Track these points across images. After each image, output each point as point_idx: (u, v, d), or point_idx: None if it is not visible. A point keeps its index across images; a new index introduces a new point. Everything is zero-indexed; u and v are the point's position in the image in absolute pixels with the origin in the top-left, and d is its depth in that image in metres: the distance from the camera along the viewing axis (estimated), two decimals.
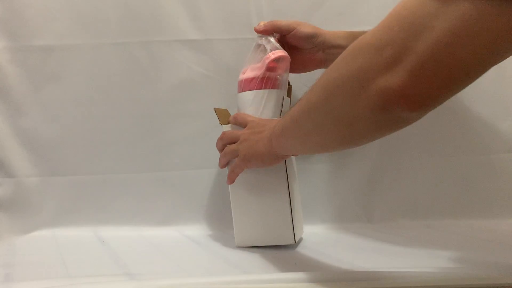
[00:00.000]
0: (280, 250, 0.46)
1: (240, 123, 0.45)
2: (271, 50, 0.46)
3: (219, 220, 0.56)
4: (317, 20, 0.55)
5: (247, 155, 0.43)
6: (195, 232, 0.54)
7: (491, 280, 0.32)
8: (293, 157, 0.50)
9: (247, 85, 0.47)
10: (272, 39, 0.47)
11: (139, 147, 0.56)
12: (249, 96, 0.46)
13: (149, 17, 0.55)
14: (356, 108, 0.27)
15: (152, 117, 0.56)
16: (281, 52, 0.46)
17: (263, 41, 0.47)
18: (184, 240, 0.52)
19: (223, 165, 0.47)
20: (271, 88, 0.46)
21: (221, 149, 0.46)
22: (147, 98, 0.56)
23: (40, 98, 0.55)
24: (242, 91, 0.47)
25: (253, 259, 0.44)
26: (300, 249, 0.47)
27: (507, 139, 0.56)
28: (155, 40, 0.55)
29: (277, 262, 0.42)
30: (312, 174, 0.56)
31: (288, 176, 0.46)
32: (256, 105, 0.46)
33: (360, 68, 0.26)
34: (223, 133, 0.47)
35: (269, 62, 0.45)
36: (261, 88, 0.46)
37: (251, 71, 0.47)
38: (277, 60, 0.45)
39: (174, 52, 0.56)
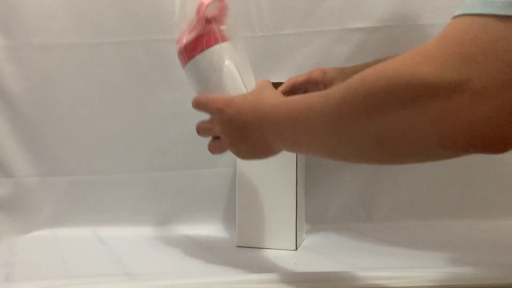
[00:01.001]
0: (280, 250, 0.46)
1: (207, 112, 0.37)
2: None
3: (219, 220, 0.56)
4: (317, 17, 0.54)
5: (238, 154, 0.36)
6: (195, 232, 0.54)
7: (491, 280, 0.32)
8: (303, 162, 0.48)
9: (190, 51, 0.38)
10: None
11: (139, 147, 0.56)
12: (198, 63, 0.38)
13: (148, 16, 0.55)
14: (423, 149, 0.22)
15: (152, 117, 0.56)
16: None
17: None
18: (184, 240, 0.52)
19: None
20: (221, 42, 0.37)
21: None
22: (146, 97, 0.56)
23: (38, 98, 0.55)
24: (188, 61, 0.38)
25: (253, 259, 0.44)
26: (300, 249, 0.47)
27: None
28: (154, 38, 0.55)
29: (277, 262, 0.42)
30: (312, 174, 0.56)
31: (298, 182, 0.45)
32: (211, 71, 0.37)
33: (431, 119, 0.21)
34: (198, 125, 0.39)
35: (204, 12, 0.37)
36: (209, 46, 0.37)
37: (188, 34, 0.38)
38: (213, 6, 0.37)
39: (173, 50, 0.55)
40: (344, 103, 0.25)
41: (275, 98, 0.33)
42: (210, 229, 0.55)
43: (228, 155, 0.57)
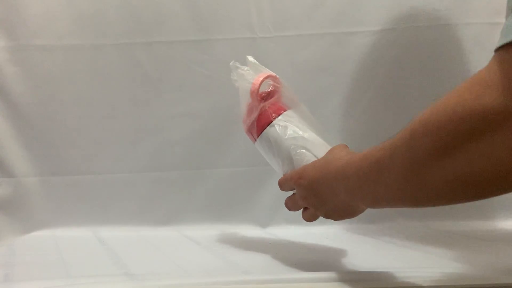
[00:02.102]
0: (280, 250, 0.46)
1: (290, 189, 0.38)
2: (251, 81, 0.40)
3: (219, 220, 0.56)
4: (316, 20, 0.55)
5: (329, 217, 0.36)
6: (195, 232, 0.54)
7: (491, 280, 0.32)
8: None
9: (254, 133, 0.41)
10: (243, 69, 0.42)
11: (139, 147, 0.56)
12: (262, 142, 0.40)
13: (150, 18, 0.55)
14: (505, 178, 0.22)
15: (152, 117, 0.56)
16: (262, 75, 0.40)
17: (237, 76, 0.42)
18: (184, 240, 0.52)
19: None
20: (279, 115, 0.40)
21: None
22: (148, 98, 0.56)
23: (40, 98, 0.55)
24: (254, 141, 0.42)
25: (253, 259, 0.44)
26: (300, 249, 0.47)
27: None
28: (156, 40, 0.55)
29: (277, 262, 0.42)
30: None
31: None
32: (276, 146, 0.39)
33: (505, 146, 0.21)
34: (285, 202, 0.39)
35: (257, 92, 0.40)
36: (268, 123, 0.39)
37: (249, 114, 0.41)
38: (264, 84, 0.40)
39: (175, 52, 0.56)
40: (412, 151, 0.24)
41: (341, 158, 0.33)
42: (210, 229, 0.55)
43: (226, 156, 0.57)
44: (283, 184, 0.39)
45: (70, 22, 0.55)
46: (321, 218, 0.58)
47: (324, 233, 0.53)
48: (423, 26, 0.54)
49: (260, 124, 0.41)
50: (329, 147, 0.38)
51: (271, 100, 0.41)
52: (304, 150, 0.38)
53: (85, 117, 0.56)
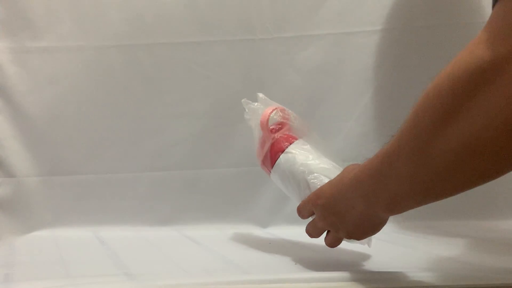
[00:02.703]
0: (280, 250, 0.46)
1: (310, 214, 0.38)
2: (260, 114, 0.42)
3: (219, 220, 0.56)
4: (316, 21, 0.55)
5: (352, 237, 0.35)
6: (195, 232, 0.54)
7: (491, 280, 0.32)
8: None
9: (267, 165, 0.42)
10: (254, 105, 0.43)
11: (139, 147, 0.57)
12: (276, 173, 0.42)
13: (151, 20, 0.55)
14: None
15: (152, 118, 0.56)
16: (270, 108, 0.42)
17: (249, 114, 0.43)
18: (184, 240, 0.52)
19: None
20: (290, 144, 0.41)
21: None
22: (148, 98, 0.56)
23: (42, 99, 0.56)
24: (269, 174, 0.43)
25: (253, 259, 0.44)
26: (300, 249, 0.47)
27: None
28: (157, 42, 0.55)
29: (277, 262, 0.42)
30: None
31: None
32: (290, 175, 0.40)
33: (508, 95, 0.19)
34: (306, 230, 0.39)
35: (266, 124, 0.41)
36: (280, 155, 0.41)
37: (262, 147, 0.43)
38: (273, 116, 0.41)
39: (175, 53, 0.56)
40: (416, 128, 0.24)
41: (354, 169, 0.32)
42: (210, 229, 0.55)
43: (227, 156, 0.57)
44: (302, 209, 0.38)
45: (72, 24, 0.55)
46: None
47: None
48: (423, 26, 0.55)
49: (273, 154, 0.42)
50: (340, 169, 0.39)
51: (281, 131, 0.42)
52: (318, 174, 0.39)
53: (86, 118, 0.56)
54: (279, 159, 0.41)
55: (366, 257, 0.43)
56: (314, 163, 0.40)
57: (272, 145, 0.42)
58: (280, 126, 0.42)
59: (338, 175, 0.35)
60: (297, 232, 0.54)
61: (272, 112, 0.42)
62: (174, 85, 0.56)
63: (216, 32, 0.55)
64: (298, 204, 0.39)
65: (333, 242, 0.37)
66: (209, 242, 0.50)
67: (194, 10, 0.55)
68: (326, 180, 0.38)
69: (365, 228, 0.33)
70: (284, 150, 0.41)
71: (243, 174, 0.56)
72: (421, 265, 0.39)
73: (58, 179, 0.56)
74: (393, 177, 0.26)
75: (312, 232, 0.38)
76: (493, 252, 0.43)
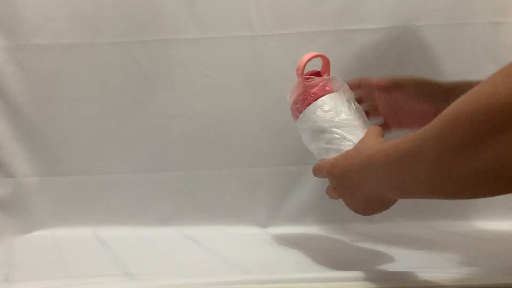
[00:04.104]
0: (280, 250, 0.46)
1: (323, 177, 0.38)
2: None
3: (219, 220, 0.56)
4: (317, 18, 0.54)
5: (356, 211, 0.36)
6: (195, 232, 0.54)
7: (491, 280, 0.32)
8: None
9: (295, 110, 0.41)
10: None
11: (138, 147, 0.56)
12: (301, 121, 0.41)
13: (147, 16, 0.55)
14: None
15: (151, 117, 0.56)
16: (310, 54, 0.41)
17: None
18: (184, 240, 0.52)
19: None
20: (321, 96, 0.39)
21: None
22: (145, 97, 0.56)
23: (38, 98, 0.55)
24: (295, 120, 0.42)
25: (253, 259, 0.44)
26: (300, 249, 0.47)
27: None
28: (154, 39, 0.55)
29: (277, 262, 0.42)
30: (312, 174, 0.56)
31: None
32: (314, 126, 0.39)
33: None
34: (327, 190, 0.39)
35: (302, 70, 0.40)
36: (309, 103, 0.39)
37: (291, 94, 0.42)
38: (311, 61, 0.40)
39: (173, 50, 0.55)
40: (443, 142, 0.24)
41: (371, 147, 0.33)
42: (210, 229, 0.55)
43: (226, 156, 0.57)
44: (317, 172, 0.39)
45: (67, 21, 0.54)
46: (320, 217, 0.57)
47: (324, 233, 0.53)
48: (425, 25, 0.54)
49: (300, 105, 0.41)
50: (366, 128, 0.38)
51: (316, 80, 0.41)
52: (342, 133, 0.38)
53: (83, 117, 0.56)
54: (304, 111, 0.40)
55: (366, 257, 0.43)
56: (342, 120, 0.38)
57: (300, 94, 0.41)
58: (317, 74, 0.42)
59: (355, 147, 0.35)
60: (297, 232, 0.54)
61: (311, 58, 0.41)
62: (172, 84, 0.56)
63: (215, 28, 0.55)
64: (315, 158, 0.40)
65: (333, 197, 0.38)
66: (209, 242, 0.50)
67: (192, 5, 0.55)
68: (348, 143, 0.37)
69: (372, 205, 0.34)
70: (314, 100, 0.40)
71: (243, 175, 0.56)
72: (421, 265, 0.39)
73: (58, 179, 0.56)
74: (411, 175, 0.27)
75: (329, 195, 0.39)
76: (493, 253, 0.43)
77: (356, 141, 0.37)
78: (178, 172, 0.56)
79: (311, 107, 0.40)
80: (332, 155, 0.38)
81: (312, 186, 0.56)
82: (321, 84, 0.41)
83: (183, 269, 0.41)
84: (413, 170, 0.27)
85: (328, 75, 0.43)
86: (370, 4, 0.54)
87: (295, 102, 0.41)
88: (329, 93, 0.40)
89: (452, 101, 0.32)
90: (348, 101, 0.41)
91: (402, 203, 0.56)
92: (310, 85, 0.41)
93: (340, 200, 0.58)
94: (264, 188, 0.56)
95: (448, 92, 0.42)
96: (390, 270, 0.34)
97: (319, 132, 0.39)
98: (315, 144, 0.40)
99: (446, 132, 0.24)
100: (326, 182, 0.56)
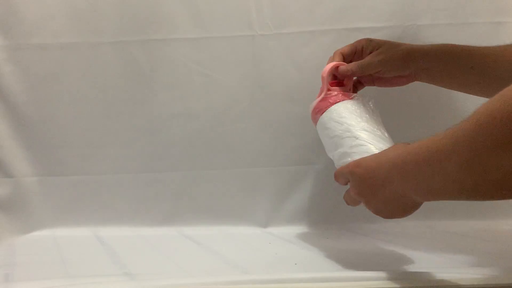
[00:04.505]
0: (280, 250, 0.46)
1: (345, 181, 0.38)
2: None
3: (219, 220, 0.56)
4: (317, 17, 0.54)
5: (378, 214, 0.35)
6: (195, 232, 0.54)
7: (491, 280, 0.32)
8: None
9: (316, 113, 0.43)
10: None
11: (138, 147, 0.56)
12: (320, 123, 0.42)
13: (147, 15, 0.54)
14: None
15: (150, 117, 0.56)
16: (334, 64, 0.43)
17: None
18: (184, 240, 0.52)
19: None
20: (342, 101, 0.41)
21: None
22: (146, 97, 0.56)
23: (37, 97, 0.55)
24: (315, 123, 0.44)
25: (253, 259, 0.44)
26: (300, 249, 0.47)
27: None
28: (153, 38, 0.55)
29: (277, 262, 0.42)
30: (312, 174, 0.56)
31: None
32: (332, 129, 0.40)
33: None
34: (344, 197, 0.39)
35: (326, 76, 0.42)
36: (329, 106, 0.41)
37: (317, 97, 0.43)
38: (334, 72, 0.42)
39: (172, 50, 0.55)
40: (477, 141, 0.24)
41: (399, 148, 0.32)
42: (211, 229, 0.55)
43: (227, 157, 0.57)
44: (339, 174, 0.38)
45: (66, 20, 0.54)
46: (320, 217, 0.57)
47: (324, 233, 0.53)
48: (426, 25, 0.54)
49: (322, 106, 0.42)
50: (388, 142, 0.39)
51: (339, 88, 0.43)
52: (360, 140, 0.38)
53: (82, 117, 0.56)
54: (325, 112, 0.41)
55: (365, 257, 0.43)
56: (360, 127, 0.39)
57: (325, 98, 0.42)
58: (340, 84, 0.43)
59: (384, 150, 0.35)
60: (297, 232, 0.54)
61: (335, 66, 0.43)
62: (171, 83, 0.56)
63: (214, 28, 0.55)
64: (334, 163, 0.40)
65: (351, 203, 0.38)
66: (209, 242, 0.50)
67: (191, 5, 0.54)
68: (366, 150, 0.37)
69: (395, 208, 0.33)
70: (333, 105, 0.41)
71: (243, 175, 0.56)
72: (421, 265, 0.39)
73: (58, 179, 0.56)
74: (440, 175, 0.26)
75: (347, 199, 0.38)
76: (493, 253, 0.43)
77: (375, 146, 0.38)
78: (178, 172, 0.56)
79: (326, 113, 0.41)
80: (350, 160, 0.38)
81: (312, 186, 0.56)
82: (342, 92, 0.42)
83: (183, 269, 0.41)
84: (444, 170, 0.26)
85: (351, 85, 0.44)
86: (371, 3, 0.54)
87: (314, 109, 0.43)
88: (349, 99, 0.42)
89: (428, 64, 0.33)
90: (368, 110, 0.41)
91: None
92: (330, 93, 0.42)
93: (340, 201, 0.58)
94: (264, 188, 0.56)
95: (424, 56, 0.42)
96: (390, 270, 0.34)
97: (336, 137, 0.40)
98: (328, 145, 0.42)
99: (480, 131, 0.23)
100: (327, 182, 0.57)
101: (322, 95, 0.42)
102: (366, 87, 0.48)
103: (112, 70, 0.55)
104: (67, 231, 0.54)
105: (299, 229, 0.55)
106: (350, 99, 0.42)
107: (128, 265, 0.41)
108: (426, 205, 0.56)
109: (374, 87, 0.47)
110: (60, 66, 0.55)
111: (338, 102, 0.41)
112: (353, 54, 0.45)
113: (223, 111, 0.56)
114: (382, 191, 0.32)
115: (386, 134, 0.40)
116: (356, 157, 0.38)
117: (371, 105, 0.42)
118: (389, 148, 0.35)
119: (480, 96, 0.43)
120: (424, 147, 0.28)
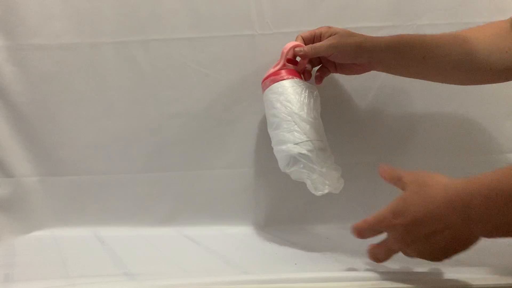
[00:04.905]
0: (280, 250, 0.46)
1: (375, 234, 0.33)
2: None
3: (219, 220, 0.56)
4: (318, 14, 0.54)
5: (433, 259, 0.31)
6: (195, 232, 0.54)
7: (491, 280, 0.32)
8: None
9: (267, 82, 0.47)
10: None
11: (138, 147, 0.56)
12: (268, 92, 0.46)
13: (147, 15, 0.54)
14: None
15: (150, 117, 0.56)
16: (294, 42, 0.46)
17: None
18: (184, 240, 0.52)
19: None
20: (295, 78, 0.46)
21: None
22: (146, 97, 0.56)
23: (38, 98, 0.55)
24: (263, 91, 0.48)
25: (253, 259, 0.44)
26: (300, 249, 0.47)
27: (509, 140, 0.56)
28: (153, 38, 0.55)
29: (277, 262, 0.42)
30: None
31: None
32: (276, 100, 0.45)
33: None
34: (372, 254, 0.33)
35: (286, 52, 0.45)
36: (281, 80, 0.45)
37: (271, 69, 0.47)
38: (297, 50, 0.46)
39: (172, 50, 0.55)
40: None
41: (448, 185, 0.29)
42: (210, 229, 0.55)
43: (227, 157, 0.57)
44: (364, 230, 0.33)
45: (67, 21, 0.54)
46: (320, 217, 0.57)
47: (324, 233, 0.53)
48: (426, 25, 0.54)
49: (274, 76, 0.46)
50: (319, 132, 0.43)
51: (293, 66, 0.46)
52: (293, 122, 0.43)
53: (83, 117, 0.56)
54: (274, 84, 0.46)
55: (365, 257, 0.43)
56: (297, 110, 0.43)
57: (278, 71, 0.46)
58: (297, 63, 0.46)
59: (418, 186, 0.31)
60: (297, 232, 0.54)
61: (295, 46, 0.46)
62: (171, 83, 0.55)
63: (214, 27, 0.54)
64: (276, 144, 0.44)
65: (386, 258, 0.33)
66: (209, 242, 0.50)
67: (190, 4, 0.54)
68: (298, 135, 0.43)
69: (456, 248, 0.30)
70: (282, 80, 0.45)
71: (243, 175, 0.56)
72: (421, 265, 0.39)
73: (58, 179, 0.56)
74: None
75: (384, 256, 0.33)
76: (493, 252, 0.43)
77: (305, 134, 0.43)
78: (178, 172, 0.56)
79: (275, 85, 0.45)
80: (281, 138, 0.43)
81: None
82: (295, 71, 0.46)
83: (183, 269, 0.41)
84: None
85: (303, 65, 0.47)
86: (371, 3, 0.54)
87: (266, 77, 0.47)
88: (299, 78, 0.46)
89: (380, 55, 0.37)
90: (311, 96, 0.45)
91: None
92: (284, 68, 0.46)
93: (339, 199, 0.58)
94: (264, 188, 0.56)
95: (375, 47, 0.43)
96: (390, 270, 0.34)
97: (273, 107, 0.45)
98: (269, 116, 0.46)
99: None
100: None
101: (278, 67, 0.46)
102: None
103: (112, 70, 0.55)
104: (67, 231, 0.54)
105: (299, 229, 0.55)
106: (299, 78, 0.46)
107: (128, 265, 0.41)
108: None
109: None
110: (60, 66, 0.55)
111: (290, 78, 0.45)
112: (312, 38, 0.47)
113: (223, 111, 0.56)
114: (440, 237, 0.29)
115: (322, 128, 0.45)
116: (292, 145, 0.42)
117: (315, 94, 0.46)
118: (427, 186, 0.31)
119: (437, 82, 0.45)
120: (492, 189, 0.27)
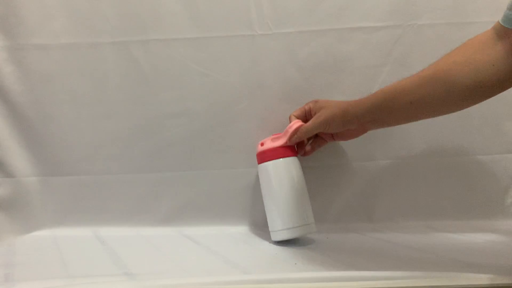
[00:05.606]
0: (280, 250, 0.46)
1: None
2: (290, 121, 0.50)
3: (219, 220, 0.56)
4: (317, 16, 0.54)
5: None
6: (195, 232, 0.54)
7: (491, 280, 0.32)
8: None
9: (266, 156, 0.50)
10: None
11: (138, 147, 0.56)
12: (267, 168, 0.49)
13: (146, 15, 0.55)
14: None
15: (150, 117, 0.56)
16: (299, 123, 0.49)
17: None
18: (184, 240, 0.52)
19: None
20: (293, 156, 0.49)
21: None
22: (146, 97, 0.56)
23: (38, 97, 0.55)
24: (260, 163, 0.50)
25: (253, 259, 0.44)
26: (300, 249, 0.47)
27: (509, 140, 0.56)
28: (153, 38, 0.55)
29: (277, 262, 0.42)
30: (312, 174, 0.56)
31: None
32: (280, 174, 0.49)
33: None
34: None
35: (291, 134, 0.49)
36: (284, 157, 0.49)
37: (271, 142, 0.50)
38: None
39: (172, 50, 0.55)
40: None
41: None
42: (210, 229, 0.55)
43: (226, 157, 0.57)
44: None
45: (66, 21, 0.54)
46: (320, 217, 0.58)
47: (324, 233, 0.53)
48: (426, 24, 0.54)
49: (275, 154, 0.50)
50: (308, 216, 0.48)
51: (296, 146, 0.50)
52: (273, 206, 0.49)
53: (83, 117, 0.56)
54: (275, 160, 0.49)
55: (365, 257, 0.43)
56: (289, 194, 0.48)
57: (281, 147, 0.49)
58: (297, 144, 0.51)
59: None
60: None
61: (300, 126, 0.49)
62: (171, 83, 0.56)
63: (214, 27, 0.55)
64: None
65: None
66: (209, 242, 0.50)
67: (191, 5, 0.54)
68: (275, 215, 0.48)
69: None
70: (286, 157, 0.49)
71: (243, 175, 0.56)
72: (421, 265, 0.39)
73: (58, 179, 0.56)
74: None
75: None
76: (493, 253, 0.43)
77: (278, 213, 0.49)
78: (178, 172, 0.56)
79: (278, 161, 0.49)
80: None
81: (312, 186, 0.56)
82: (292, 148, 0.50)
83: (183, 269, 0.41)
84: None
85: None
86: (371, 3, 0.54)
87: (268, 151, 0.50)
88: (293, 156, 0.50)
89: (368, 117, 0.45)
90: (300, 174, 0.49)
91: (402, 203, 0.57)
92: (289, 144, 0.50)
93: (339, 199, 0.58)
94: None
95: (360, 112, 0.45)
96: (390, 270, 0.34)
97: (271, 195, 0.50)
98: (265, 190, 0.50)
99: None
100: (326, 182, 0.56)
101: (281, 144, 0.50)
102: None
103: (112, 70, 0.55)
104: (67, 231, 0.55)
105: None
106: (295, 156, 0.50)
107: (128, 265, 0.41)
108: (426, 205, 0.57)
109: None
110: (60, 66, 0.55)
111: (288, 156, 0.49)
112: (304, 115, 0.51)
113: (223, 111, 0.56)
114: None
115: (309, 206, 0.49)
116: (275, 223, 0.49)
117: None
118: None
119: (437, 116, 0.45)
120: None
